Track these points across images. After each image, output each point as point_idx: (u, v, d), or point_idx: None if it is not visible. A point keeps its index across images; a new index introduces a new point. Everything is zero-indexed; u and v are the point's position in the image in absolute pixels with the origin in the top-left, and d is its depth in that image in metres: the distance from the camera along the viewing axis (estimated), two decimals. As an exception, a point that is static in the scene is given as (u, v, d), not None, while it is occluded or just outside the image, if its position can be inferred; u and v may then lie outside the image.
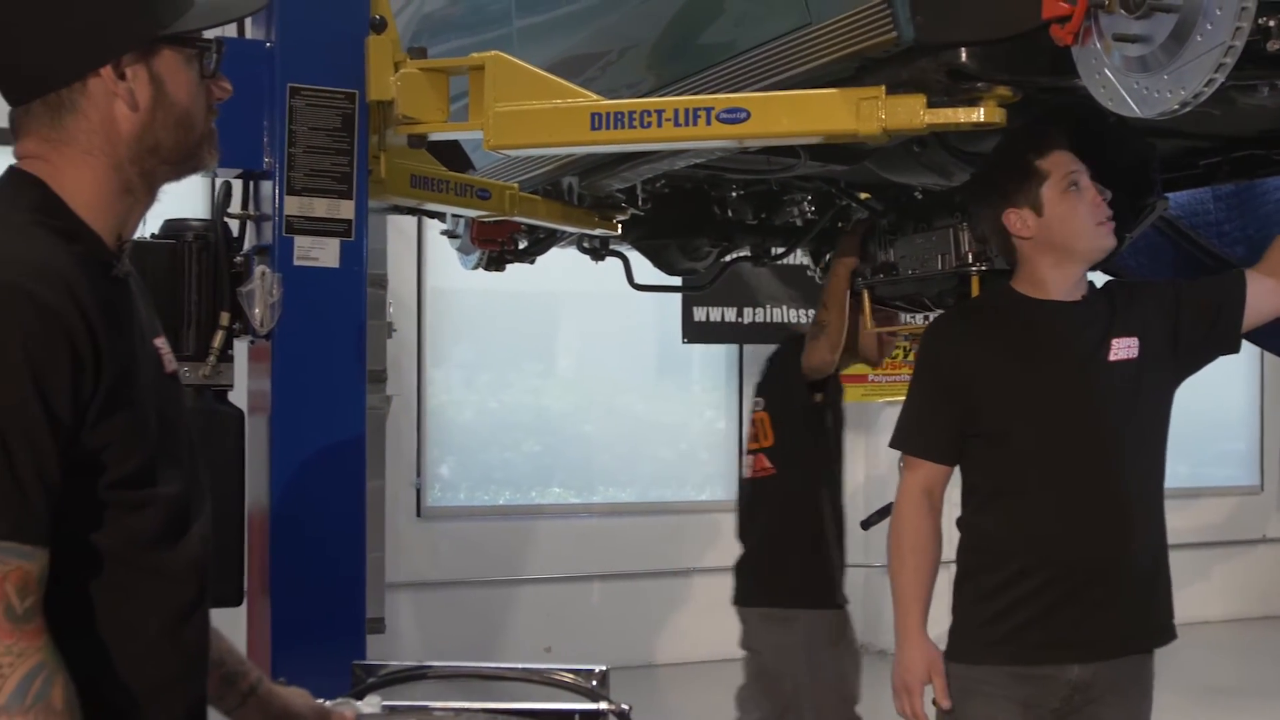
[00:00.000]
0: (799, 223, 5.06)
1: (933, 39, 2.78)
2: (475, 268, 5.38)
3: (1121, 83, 2.39)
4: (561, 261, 5.65)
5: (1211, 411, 10.00)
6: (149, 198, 1.78)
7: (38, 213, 1.66)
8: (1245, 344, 3.47)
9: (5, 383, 1.50)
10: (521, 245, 5.29)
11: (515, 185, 4.28)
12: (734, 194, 4.87)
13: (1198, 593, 9.85)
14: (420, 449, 8.04)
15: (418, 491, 8.03)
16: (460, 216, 4.88)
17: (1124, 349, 3.15)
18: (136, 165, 1.73)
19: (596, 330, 8.70)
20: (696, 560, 8.45)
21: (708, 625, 8.44)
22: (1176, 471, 10.76)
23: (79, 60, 1.68)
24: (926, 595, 3.14)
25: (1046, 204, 3.12)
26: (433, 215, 5.01)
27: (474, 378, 8.49)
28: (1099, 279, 3.72)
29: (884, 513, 3.48)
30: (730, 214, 5.02)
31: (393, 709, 2.38)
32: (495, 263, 5.29)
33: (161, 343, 1.80)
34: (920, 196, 4.02)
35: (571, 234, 4.97)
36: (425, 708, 2.42)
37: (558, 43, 4.20)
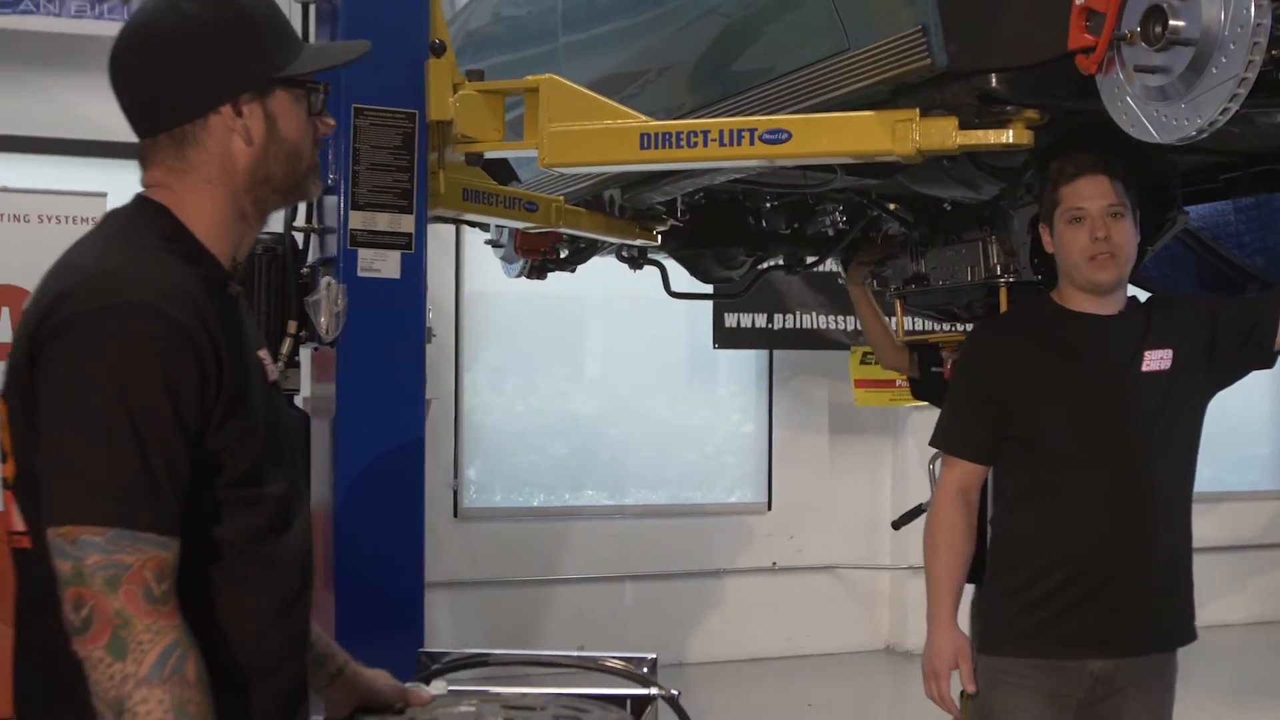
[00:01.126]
0: (830, 232, 5.22)
1: (965, 66, 2.95)
2: (519, 276, 5.56)
3: (1142, 110, 2.56)
4: (593, 266, 5.80)
5: (1236, 417, 10.08)
6: (260, 223, 1.97)
7: (165, 239, 1.85)
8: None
9: (144, 394, 1.68)
10: (563, 254, 5.47)
11: (561, 198, 4.46)
12: (768, 205, 5.03)
13: (1223, 596, 9.95)
14: (457, 452, 8.21)
15: (455, 493, 8.20)
16: (505, 227, 5.06)
17: (1156, 361, 3.30)
18: (250, 194, 1.91)
19: (626, 334, 8.85)
20: (728, 561, 8.62)
21: (738, 625, 8.62)
22: (1201, 476, 10.85)
23: (203, 99, 1.87)
24: (958, 587, 3.30)
25: (1055, 229, 3.31)
26: (473, 224, 5.20)
27: (504, 381, 8.64)
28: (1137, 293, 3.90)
29: (915, 513, 3.65)
30: (764, 224, 5.18)
31: (458, 692, 2.56)
32: (538, 271, 5.48)
33: (264, 354, 1.98)
34: (949, 209, 4.16)
35: (612, 244, 5.14)
36: (488, 691, 2.60)
37: (602, 60, 4.37)
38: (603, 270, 5.84)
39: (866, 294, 4.80)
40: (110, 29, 7.00)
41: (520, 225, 4.53)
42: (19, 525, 1.82)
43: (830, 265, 5.81)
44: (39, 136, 7.34)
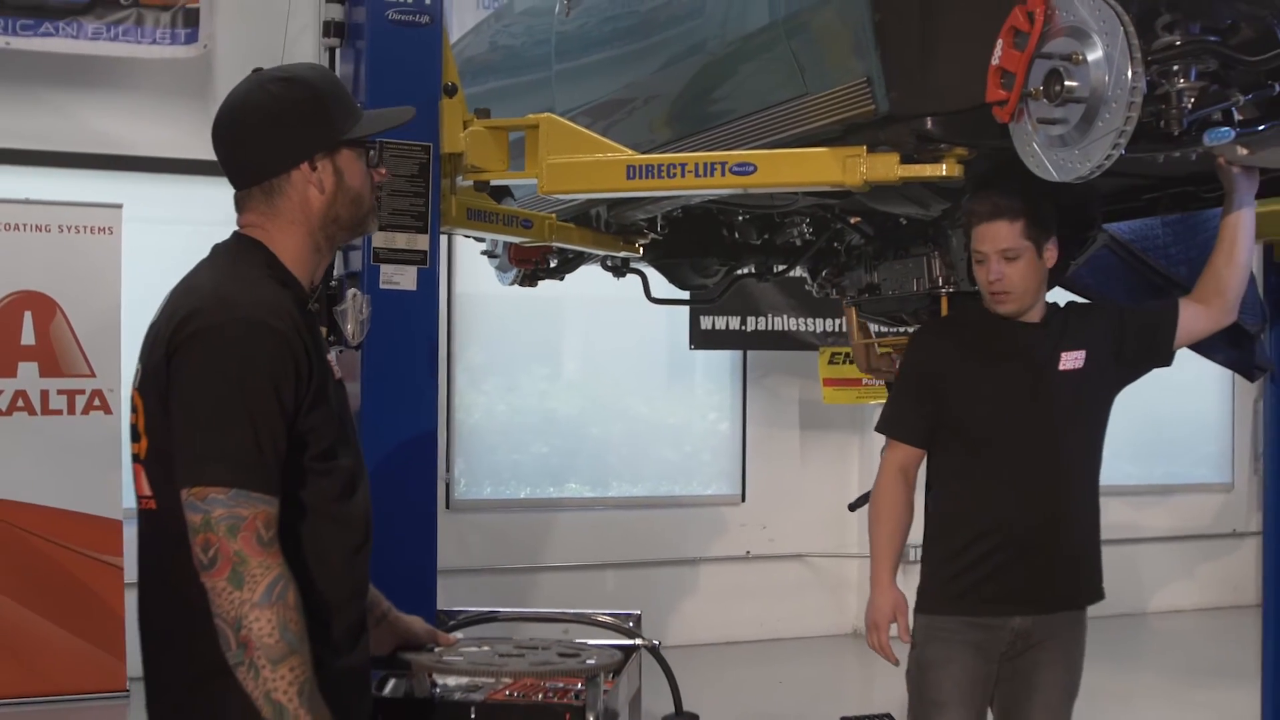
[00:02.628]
0: (798, 243, 5.69)
1: (904, 110, 3.45)
2: (512, 284, 6.04)
3: (1045, 154, 3.07)
4: (575, 271, 6.18)
5: (1187, 415, 10.62)
6: (331, 254, 2.48)
7: (264, 267, 2.35)
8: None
9: (256, 388, 2.19)
10: (553, 264, 5.95)
11: (553, 215, 4.95)
12: (741, 219, 5.51)
13: (1175, 583, 10.46)
14: (449, 446, 8.67)
15: (447, 486, 8.66)
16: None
17: (1072, 360, 3.81)
18: (324, 231, 2.42)
19: (607, 336, 9.18)
20: (704, 550, 9.07)
21: (713, 610, 9.04)
22: (1154, 471, 11.43)
23: (286, 159, 2.38)
24: (897, 552, 3.79)
25: (972, 261, 3.80)
26: (470, 236, 5.65)
27: (488, 381, 9.01)
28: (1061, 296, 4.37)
29: (867, 497, 4.11)
30: (737, 236, 5.65)
31: (476, 638, 3.06)
32: (530, 279, 5.96)
33: (332, 357, 2.49)
34: (903, 225, 4.63)
35: (598, 254, 5.62)
36: (505, 639, 3.10)
37: (591, 89, 4.84)
38: (585, 275, 6.27)
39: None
40: (125, 49, 7.53)
41: (518, 240, 5.02)
42: (146, 491, 2.32)
43: (798, 271, 6.28)
44: (59, 151, 7.73)
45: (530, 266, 5.85)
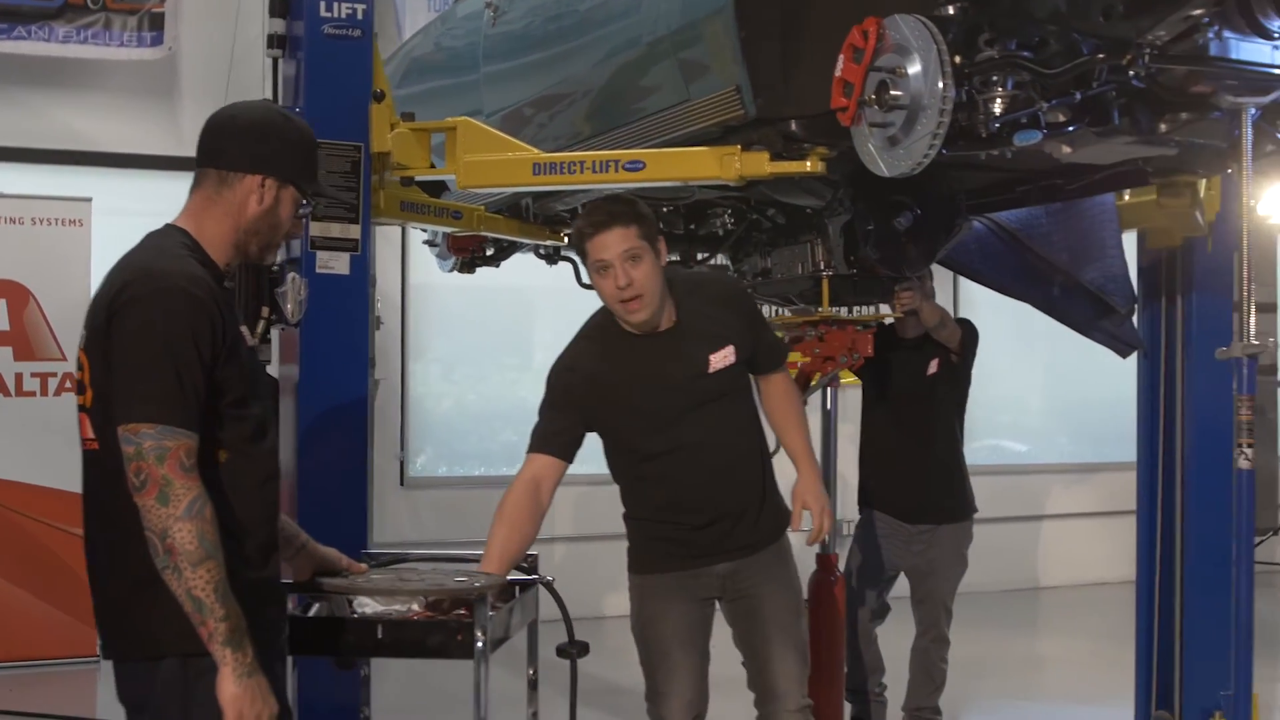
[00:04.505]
0: (720, 233, 6.15)
1: (769, 114, 3.96)
2: (451, 271, 6.52)
3: (877, 153, 3.57)
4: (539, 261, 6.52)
5: (1110, 397, 11.15)
6: (242, 257, 2.95)
7: (187, 249, 2.82)
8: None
9: (179, 343, 2.66)
10: (489, 252, 6.42)
11: (482, 207, 5.42)
12: (665, 210, 5.95)
13: (1099, 556, 10.96)
14: (404, 426, 9.14)
15: (401, 464, 9.14)
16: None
17: (722, 359, 3.91)
18: (243, 234, 2.91)
19: (575, 326, 9.60)
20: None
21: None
22: (1081, 449, 11.98)
23: (252, 164, 2.88)
24: (510, 554, 3.81)
25: (592, 279, 3.88)
26: (404, 226, 6.11)
27: (457, 370, 9.41)
28: (945, 281, 4.76)
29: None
30: (661, 226, 6.10)
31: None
32: (467, 267, 6.43)
33: (244, 328, 2.97)
34: (794, 216, 5.09)
35: (529, 244, 6.09)
36: (412, 568, 3.58)
37: (513, 92, 5.31)
38: (558, 268, 6.42)
39: None
40: (94, 52, 8.01)
41: (448, 230, 5.49)
42: (90, 434, 2.80)
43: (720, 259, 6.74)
44: (31, 148, 8.19)
45: (467, 255, 6.31)
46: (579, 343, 4.04)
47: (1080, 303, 5.87)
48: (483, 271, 6.70)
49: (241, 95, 4.80)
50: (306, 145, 2.99)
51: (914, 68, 3.42)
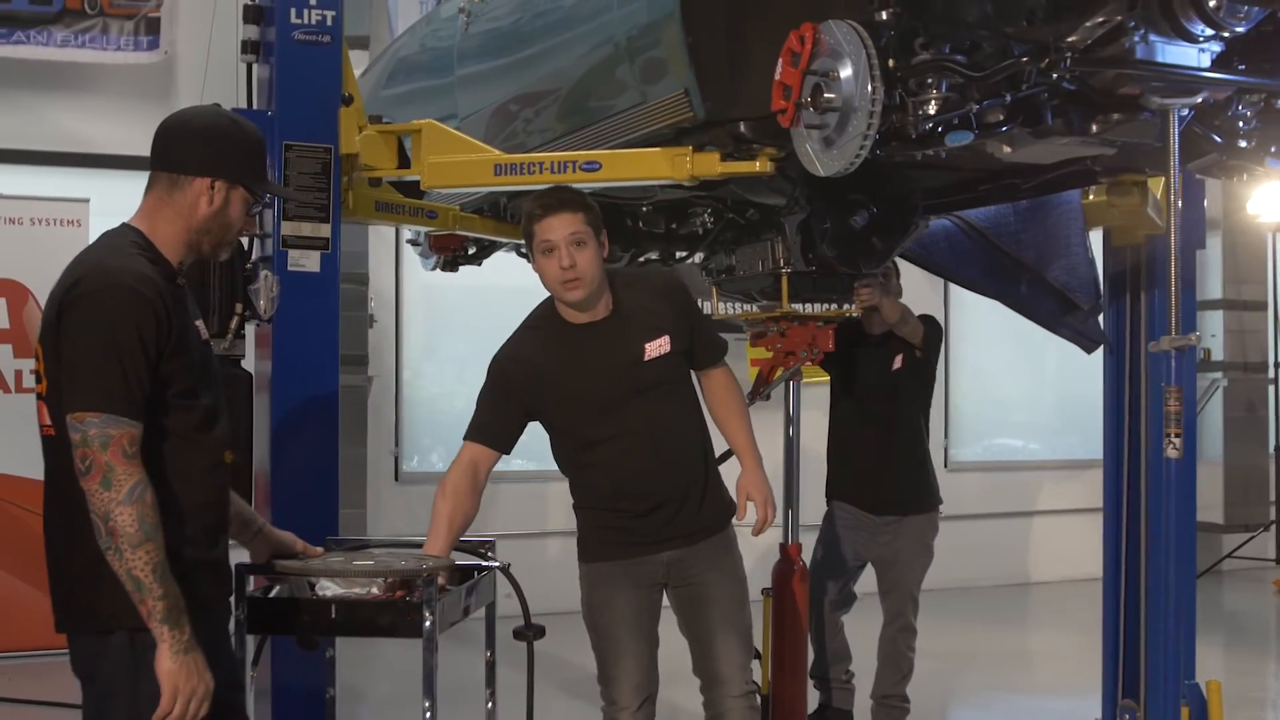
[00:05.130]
0: (700, 231, 6.28)
1: (717, 117, 4.11)
2: (433, 269, 6.66)
3: (813, 153, 3.71)
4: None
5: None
6: (191, 256, 3.10)
7: (138, 248, 2.98)
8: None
9: (125, 336, 2.82)
10: (471, 251, 6.56)
11: (458, 207, 5.57)
12: (645, 208, 6.07)
13: (1091, 551, 11.08)
14: (398, 422, 9.31)
15: (396, 459, 9.30)
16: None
17: (657, 348, 4.05)
18: (194, 235, 3.06)
19: None
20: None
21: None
22: (1072, 444, 12.04)
23: (201, 167, 3.03)
24: (452, 530, 4.00)
25: (534, 260, 4.02)
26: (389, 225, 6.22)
27: (468, 370, 9.51)
28: (915, 277, 4.81)
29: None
30: (641, 225, 6.22)
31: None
32: (449, 265, 6.57)
33: (200, 324, 3.12)
34: (756, 215, 5.22)
35: (509, 243, 6.22)
36: (369, 552, 3.73)
37: (483, 95, 5.45)
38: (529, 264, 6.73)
39: None
40: (92, 56, 8.18)
41: (424, 229, 5.64)
42: (47, 421, 2.96)
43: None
44: (30, 150, 8.38)
45: (449, 253, 6.44)
46: (521, 333, 4.17)
47: (1046, 299, 5.99)
48: (479, 269, 6.82)
49: (237, 98, 4.94)
50: (254, 147, 3.14)
51: (845, 71, 3.56)
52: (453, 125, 5.45)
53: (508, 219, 5.84)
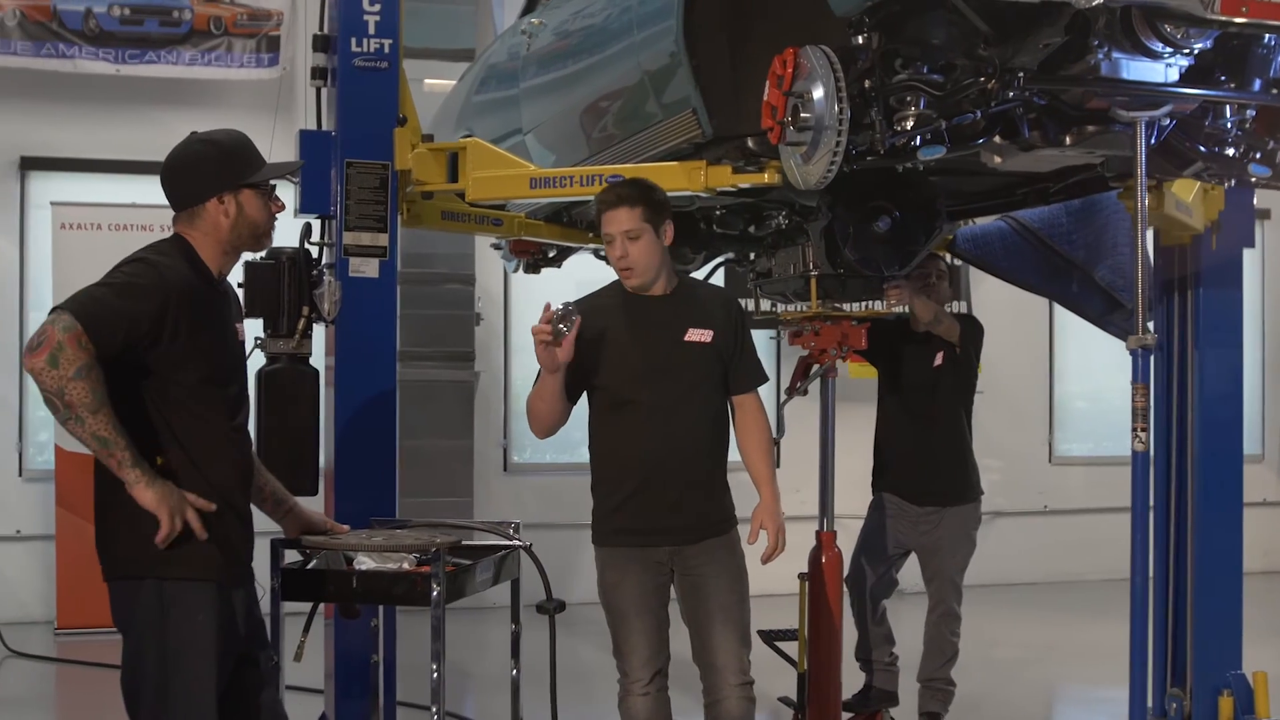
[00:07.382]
0: (773, 232, 6.52)
1: (725, 133, 4.45)
2: (516, 271, 7.07)
3: (795, 168, 4.03)
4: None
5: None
6: (236, 259, 3.56)
7: (180, 252, 3.43)
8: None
9: (136, 299, 3.24)
10: (551, 254, 6.95)
11: (523, 215, 5.97)
12: (719, 212, 6.07)
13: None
14: (507, 416, 9.77)
15: (504, 451, 9.75)
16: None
17: (699, 335, 4.38)
18: (229, 244, 3.50)
19: None
20: (743, 511, 9.88)
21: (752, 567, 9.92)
22: (1113, 446, 11.88)
23: (201, 195, 3.48)
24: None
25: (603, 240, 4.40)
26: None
27: None
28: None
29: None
30: (715, 228, 6.47)
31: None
32: (531, 268, 6.97)
33: (240, 325, 3.57)
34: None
35: (585, 247, 6.58)
36: (397, 530, 4.15)
37: (542, 109, 5.80)
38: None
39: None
40: (218, 73, 8.76)
41: (489, 236, 6.05)
42: None
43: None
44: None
45: (529, 257, 6.85)
46: (593, 296, 4.57)
47: (1095, 298, 6.19)
48: (582, 266, 7.08)
49: (306, 118, 5.30)
50: (234, 150, 3.52)
51: (818, 92, 3.88)
52: (519, 138, 5.88)
53: (578, 225, 6.20)
